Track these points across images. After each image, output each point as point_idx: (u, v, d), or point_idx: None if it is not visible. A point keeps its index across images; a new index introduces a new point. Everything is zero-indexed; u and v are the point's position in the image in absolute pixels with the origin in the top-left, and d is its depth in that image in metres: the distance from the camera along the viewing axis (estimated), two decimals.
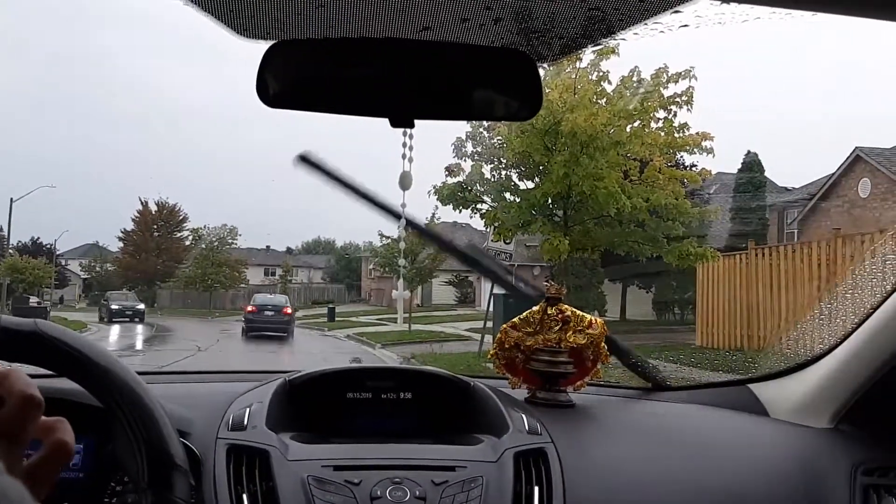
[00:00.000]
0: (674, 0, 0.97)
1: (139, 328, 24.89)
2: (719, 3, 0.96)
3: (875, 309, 1.49)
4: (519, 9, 1.01)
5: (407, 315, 20.50)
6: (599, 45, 1.10)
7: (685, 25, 1.06)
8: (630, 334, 15.78)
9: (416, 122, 1.08)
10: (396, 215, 1.50)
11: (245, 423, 1.30)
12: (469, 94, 1.02)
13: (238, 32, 1.03)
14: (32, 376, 1.34)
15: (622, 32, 1.06)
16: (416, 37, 1.02)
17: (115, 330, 23.63)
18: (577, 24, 1.05)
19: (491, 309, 14.86)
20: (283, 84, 1.00)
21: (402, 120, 1.02)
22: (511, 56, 1.01)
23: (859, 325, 1.53)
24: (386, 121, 1.04)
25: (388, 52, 1.00)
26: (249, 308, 22.77)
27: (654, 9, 0.99)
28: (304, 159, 1.52)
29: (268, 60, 0.98)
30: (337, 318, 26.63)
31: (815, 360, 1.65)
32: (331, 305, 30.53)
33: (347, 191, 1.52)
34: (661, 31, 1.08)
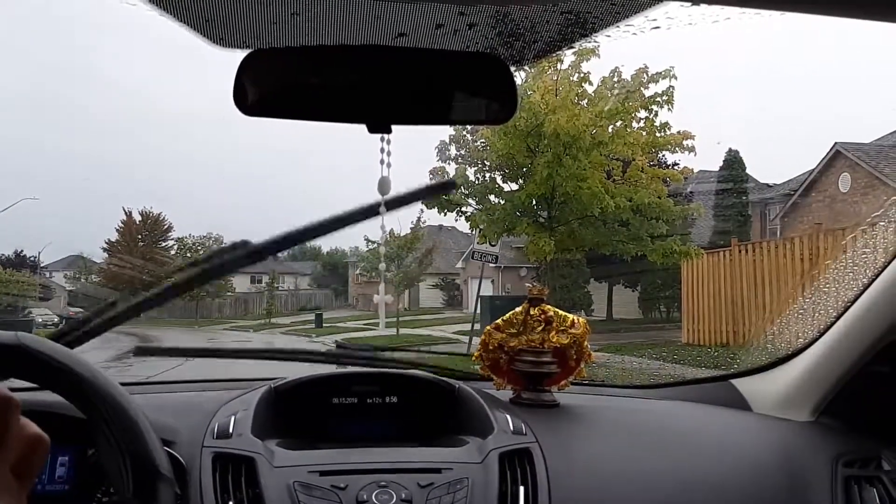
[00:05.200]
0: (645, 2, 0.99)
1: (126, 339, 24.70)
2: (689, 4, 0.98)
3: (852, 302, 1.51)
4: (492, 14, 1.02)
5: (389, 320, 20.41)
6: (573, 47, 1.12)
7: (657, 27, 1.08)
8: (617, 333, 15.83)
9: (395, 127, 1.09)
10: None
11: (230, 430, 1.30)
12: (445, 99, 1.03)
13: (214, 42, 1.03)
14: (15, 389, 1.34)
15: (595, 35, 1.07)
16: (391, 43, 1.03)
17: (102, 341, 23.45)
18: (550, 28, 1.06)
19: (478, 311, 14.88)
20: (259, 92, 1.00)
21: (379, 126, 1.03)
22: (486, 60, 1.02)
23: (837, 318, 1.55)
24: (363, 127, 1.05)
25: (365, 58, 1.01)
26: None
27: (626, 11, 1.01)
28: None
29: (244, 69, 0.99)
30: (325, 325, 26.53)
31: (796, 355, 1.67)
32: (318, 311, 30.44)
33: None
34: (634, 33, 1.10)
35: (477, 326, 13.72)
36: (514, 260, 25.25)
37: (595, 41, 1.10)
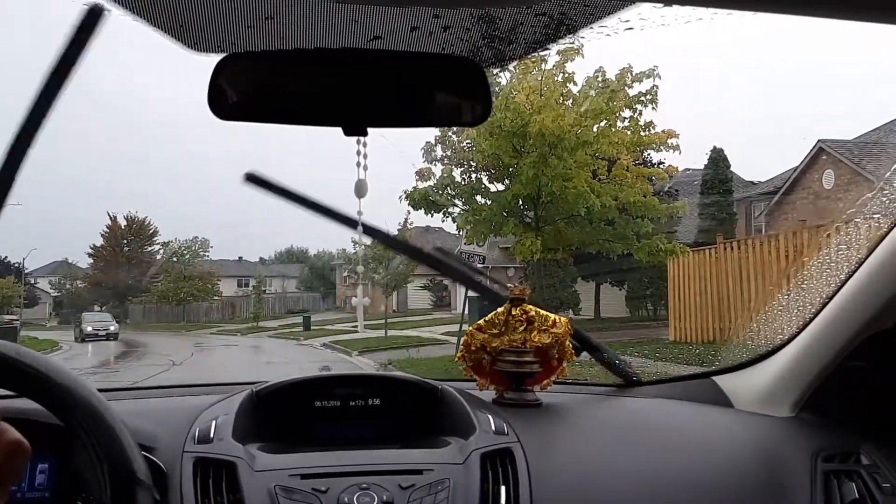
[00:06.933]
0: (618, 4, 1.00)
1: (113, 345, 24.28)
2: (662, 5, 0.98)
3: (830, 298, 1.53)
4: (467, 16, 1.02)
5: (369, 322, 20.40)
6: (548, 49, 1.12)
7: (630, 28, 1.08)
8: (605, 332, 15.88)
9: (372, 129, 1.10)
10: (353, 223, 1.48)
11: (211, 435, 1.30)
12: (420, 101, 1.04)
13: (189, 46, 1.03)
14: None
15: (570, 37, 1.08)
16: (366, 46, 1.03)
17: (89, 348, 23.08)
18: (524, 30, 1.07)
19: (466, 312, 14.88)
20: (234, 96, 1.00)
21: (354, 129, 1.03)
22: (460, 63, 1.02)
23: (816, 314, 1.56)
24: (339, 129, 1.05)
25: (339, 61, 1.01)
26: None
27: (599, 13, 1.01)
28: (252, 178, 1.49)
29: (218, 73, 0.99)
30: (312, 327, 26.45)
31: (776, 351, 1.68)
32: (306, 314, 30.35)
33: (299, 204, 1.50)
34: (608, 35, 1.10)
35: (465, 327, 13.71)
36: (502, 260, 25.31)
37: (573, 42, 1.11)
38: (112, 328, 27.26)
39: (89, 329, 26.70)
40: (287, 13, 0.98)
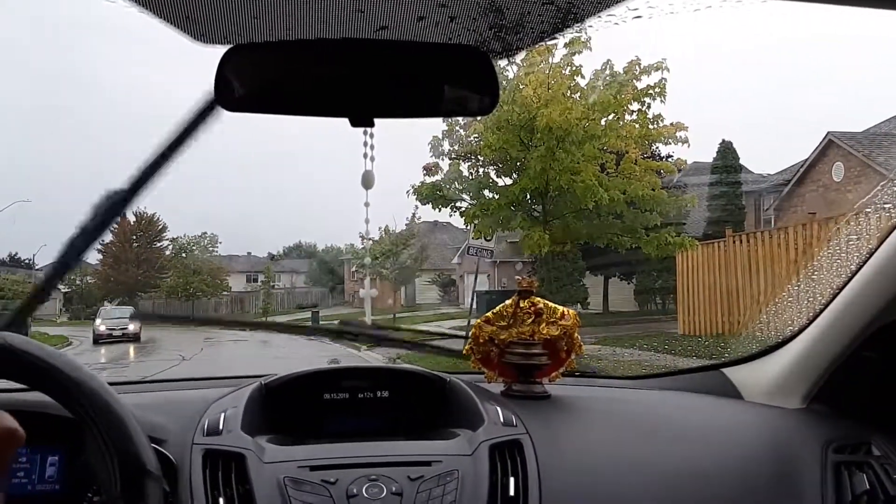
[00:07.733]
0: None
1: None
2: None
3: (840, 289, 1.52)
4: (473, 6, 1.02)
5: (377, 317, 20.32)
6: (555, 38, 1.12)
7: (638, 16, 1.08)
8: (613, 326, 15.86)
9: (381, 121, 1.09)
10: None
11: (220, 427, 1.30)
12: (427, 92, 1.03)
13: (196, 38, 1.03)
14: (7, 389, 1.34)
15: (577, 25, 1.07)
16: (373, 36, 1.03)
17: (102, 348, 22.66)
18: (532, 19, 1.07)
19: (475, 306, 14.89)
20: (241, 88, 1.00)
21: (361, 119, 1.03)
22: (467, 52, 1.02)
23: (826, 305, 1.55)
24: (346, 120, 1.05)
25: (346, 52, 1.01)
26: None
27: (608, 1, 1.01)
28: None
29: (225, 64, 0.98)
30: (321, 322, 26.46)
31: (786, 342, 1.67)
32: (315, 309, 30.42)
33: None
34: (616, 23, 1.10)
35: (473, 321, 13.72)
36: (510, 254, 25.30)
37: (580, 32, 1.10)
38: (131, 327, 22.87)
39: (102, 329, 22.93)
40: (293, 3, 0.98)
